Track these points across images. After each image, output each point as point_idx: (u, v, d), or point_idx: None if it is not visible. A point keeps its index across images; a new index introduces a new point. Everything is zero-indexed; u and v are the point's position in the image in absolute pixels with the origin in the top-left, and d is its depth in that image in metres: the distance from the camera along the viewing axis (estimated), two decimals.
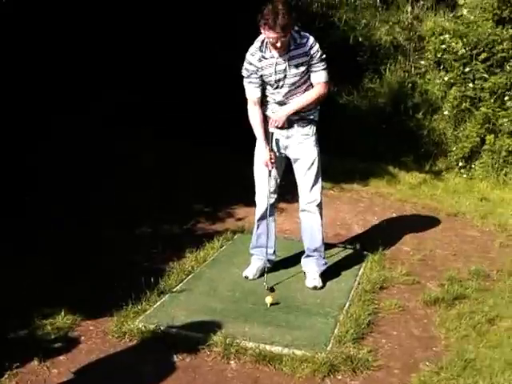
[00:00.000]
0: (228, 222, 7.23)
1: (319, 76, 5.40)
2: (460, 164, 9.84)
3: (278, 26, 5.01)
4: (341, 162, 9.08)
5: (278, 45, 5.14)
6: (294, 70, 5.29)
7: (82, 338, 4.64)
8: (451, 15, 11.21)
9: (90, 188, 7.50)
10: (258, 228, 5.81)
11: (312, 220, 5.69)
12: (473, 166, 9.79)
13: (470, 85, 9.91)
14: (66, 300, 4.97)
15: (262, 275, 5.60)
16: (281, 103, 5.45)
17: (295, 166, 5.63)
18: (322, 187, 5.76)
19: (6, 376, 4.09)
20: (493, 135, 9.69)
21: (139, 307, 4.96)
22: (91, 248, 6.10)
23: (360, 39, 11.65)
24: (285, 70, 5.28)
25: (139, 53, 9.31)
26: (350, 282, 5.77)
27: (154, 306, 5.04)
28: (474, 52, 9.91)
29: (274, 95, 5.45)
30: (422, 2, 12.30)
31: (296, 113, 5.44)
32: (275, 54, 5.24)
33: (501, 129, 9.69)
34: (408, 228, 7.33)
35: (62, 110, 8.30)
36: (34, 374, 4.17)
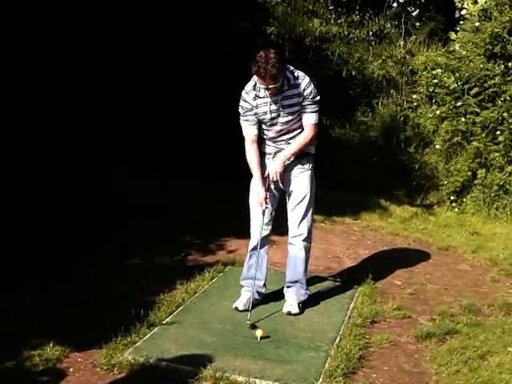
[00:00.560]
0: (219, 254, 7.19)
1: (309, 118, 5.43)
2: (451, 198, 9.87)
3: (268, 76, 5.08)
4: (333, 195, 9.08)
5: (270, 91, 5.22)
6: (287, 110, 5.33)
7: (71, 369, 4.57)
8: (443, 50, 11.29)
9: (79, 220, 7.47)
10: (249, 259, 5.78)
11: (296, 253, 5.71)
12: (464, 200, 9.82)
13: (462, 119, 9.98)
14: (55, 331, 4.91)
15: (253, 307, 5.58)
16: (273, 139, 5.49)
17: (287, 199, 5.65)
18: (314, 221, 5.75)
19: None
20: (484, 169, 9.73)
21: (128, 339, 4.90)
22: (80, 278, 6.05)
23: (353, 73, 11.75)
24: (278, 109, 5.32)
25: (136, 91, 9.44)
26: (341, 315, 5.73)
27: (144, 339, 4.99)
28: (466, 86, 9.99)
29: (267, 132, 5.48)
30: (414, 37, 12.42)
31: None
32: (268, 93, 5.28)
33: (492, 163, 9.74)
34: (399, 262, 7.31)
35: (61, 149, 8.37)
36: None
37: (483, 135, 9.80)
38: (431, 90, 10.47)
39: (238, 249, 7.17)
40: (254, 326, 5.28)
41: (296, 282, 5.75)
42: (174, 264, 6.75)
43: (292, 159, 5.52)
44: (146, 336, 5.03)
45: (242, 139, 5.57)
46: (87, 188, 8.23)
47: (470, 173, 9.79)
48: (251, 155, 5.51)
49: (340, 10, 13.01)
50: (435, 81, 10.37)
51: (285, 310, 5.67)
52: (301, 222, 5.61)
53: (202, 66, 9.68)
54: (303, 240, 5.66)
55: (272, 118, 5.36)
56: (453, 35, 11.15)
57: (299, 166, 5.56)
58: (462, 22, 10.93)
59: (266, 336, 5.15)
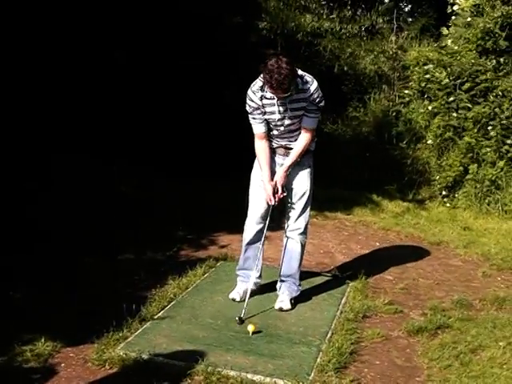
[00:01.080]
0: (211, 249, 7.19)
1: (310, 122, 5.43)
2: (443, 193, 9.89)
3: (279, 88, 5.08)
4: (325, 190, 9.06)
5: (278, 98, 5.24)
6: (293, 113, 5.33)
7: (62, 365, 4.56)
8: (435, 45, 11.29)
9: (71, 215, 7.47)
10: (245, 251, 5.80)
11: (293, 247, 5.73)
12: (456, 195, 9.83)
13: (454, 114, 9.99)
14: (46, 326, 4.91)
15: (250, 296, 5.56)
16: (276, 136, 5.51)
17: (287, 194, 5.65)
18: (310, 216, 5.77)
19: None
20: (476, 165, 9.75)
21: (120, 334, 4.90)
22: (72, 274, 6.05)
23: (345, 68, 11.73)
24: (285, 111, 5.32)
25: (135, 91, 9.46)
26: (333, 310, 5.74)
27: (136, 334, 4.98)
28: (458, 82, 10.01)
29: (271, 131, 5.50)
30: (406, 32, 12.41)
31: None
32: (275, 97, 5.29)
33: (484, 158, 9.76)
34: (391, 257, 7.33)
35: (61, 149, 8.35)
36: None
37: (475, 130, 9.82)
38: (423, 85, 10.48)
39: (230, 244, 7.17)
40: (242, 321, 5.28)
41: (289, 276, 5.77)
42: (166, 259, 6.75)
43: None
44: (137, 331, 5.02)
45: (252, 136, 5.58)
46: (87, 188, 8.20)
47: (461, 168, 9.81)
48: (260, 151, 5.52)
49: (332, 6, 13.01)
50: (427, 76, 10.38)
51: (276, 306, 5.68)
52: (299, 216, 5.65)
53: (202, 66, 9.67)
54: (300, 234, 5.70)
55: (278, 119, 5.37)
56: (445, 30, 11.16)
57: (299, 162, 5.57)
58: (453, 18, 10.97)
59: (258, 331, 5.15)
